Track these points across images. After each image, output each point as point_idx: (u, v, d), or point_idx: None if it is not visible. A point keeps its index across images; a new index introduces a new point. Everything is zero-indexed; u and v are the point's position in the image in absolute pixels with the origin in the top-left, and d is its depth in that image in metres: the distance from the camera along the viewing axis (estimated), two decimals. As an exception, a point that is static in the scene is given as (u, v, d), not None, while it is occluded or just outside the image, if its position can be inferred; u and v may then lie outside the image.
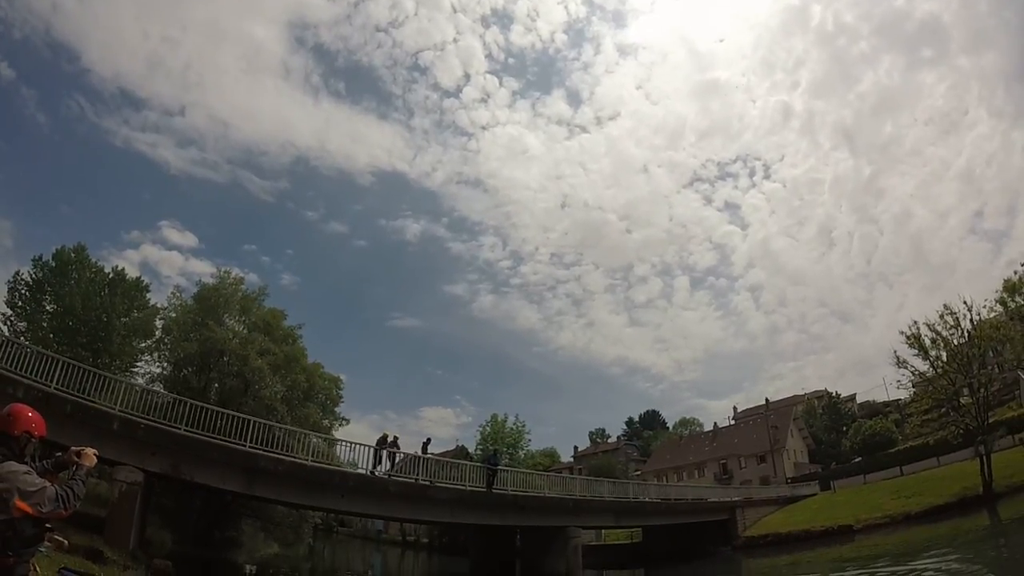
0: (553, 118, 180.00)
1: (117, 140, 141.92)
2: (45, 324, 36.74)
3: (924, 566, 19.03)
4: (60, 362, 18.57)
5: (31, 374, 17.50)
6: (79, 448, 4.17)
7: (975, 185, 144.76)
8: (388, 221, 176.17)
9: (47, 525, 3.95)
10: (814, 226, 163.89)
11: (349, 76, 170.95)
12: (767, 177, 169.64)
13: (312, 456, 23.63)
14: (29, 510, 3.63)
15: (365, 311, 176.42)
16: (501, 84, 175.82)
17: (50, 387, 17.50)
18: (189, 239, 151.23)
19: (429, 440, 32.38)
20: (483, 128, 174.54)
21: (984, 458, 34.40)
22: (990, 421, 37.22)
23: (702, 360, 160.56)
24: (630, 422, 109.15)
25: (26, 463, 3.91)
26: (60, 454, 4.25)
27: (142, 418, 19.36)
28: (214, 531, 33.72)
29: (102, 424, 18.01)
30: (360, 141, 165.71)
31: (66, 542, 9.97)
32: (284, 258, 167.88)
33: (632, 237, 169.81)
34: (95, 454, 4.20)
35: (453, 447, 71.74)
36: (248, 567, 32.04)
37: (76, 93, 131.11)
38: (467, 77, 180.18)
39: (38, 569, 5.57)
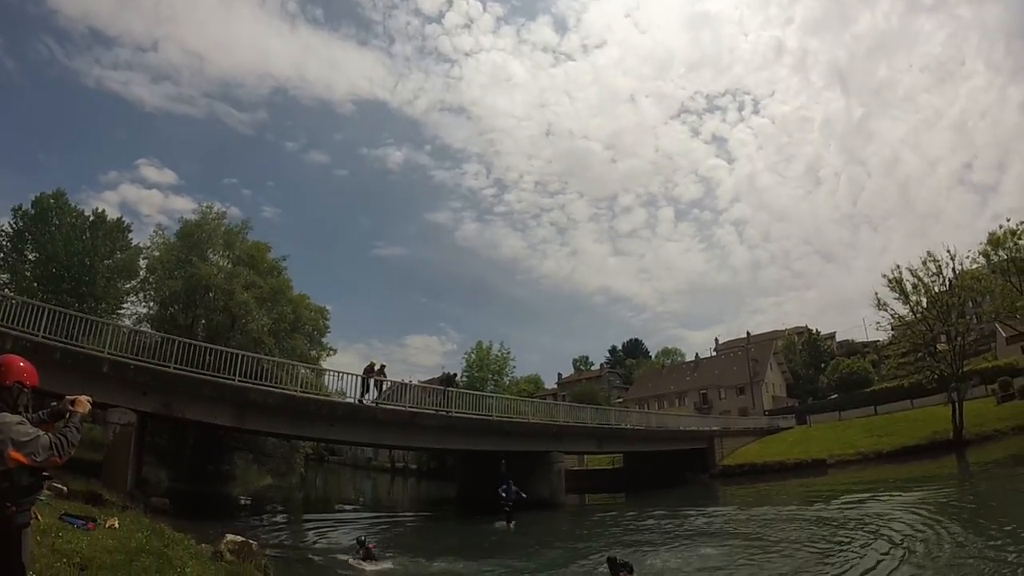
0: (538, 45, 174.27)
1: (89, 81, 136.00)
2: (28, 273, 36.45)
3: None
4: (46, 310, 18.38)
5: (18, 324, 17.33)
6: (72, 396, 4.18)
7: (967, 137, 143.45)
8: (370, 150, 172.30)
9: (44, 474, 3.97)
10: (801, 164, 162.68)
11: (327, 1, 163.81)
12: (756, 112, 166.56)
13: (301, 387, 23.89)
14: (24, 460, 3.67)
15: (349, 241, 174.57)
16: (485, 9, 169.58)
17: (38, 336, 17.35)
18: (168, 176, 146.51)
19: (455, 375, 32.81)
20: (466, 55, 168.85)
21: (956, 405, 35.52)
22: (964, 370, 38.23)
23: (685, 291, 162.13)
24: (613, 350, 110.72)
25: (20, 413, 3.93)
26: (54, 403, 4.25)
27: (132, 359, 19.37)
28: (208, 466, 34.46)
29: (92, 368, 17.98)
30: (340, 69, 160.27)
31: (65, 488, 10.13)
32: (265, 190, 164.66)
33: (617, 167, 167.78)
34: (89, 401, 4.22)
35: (439, 374, 72.74)
36: (242, 499, 32.85)
37: (44, 36, 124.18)
38: (449, 2, 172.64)
39: (40, 517, 5.69)
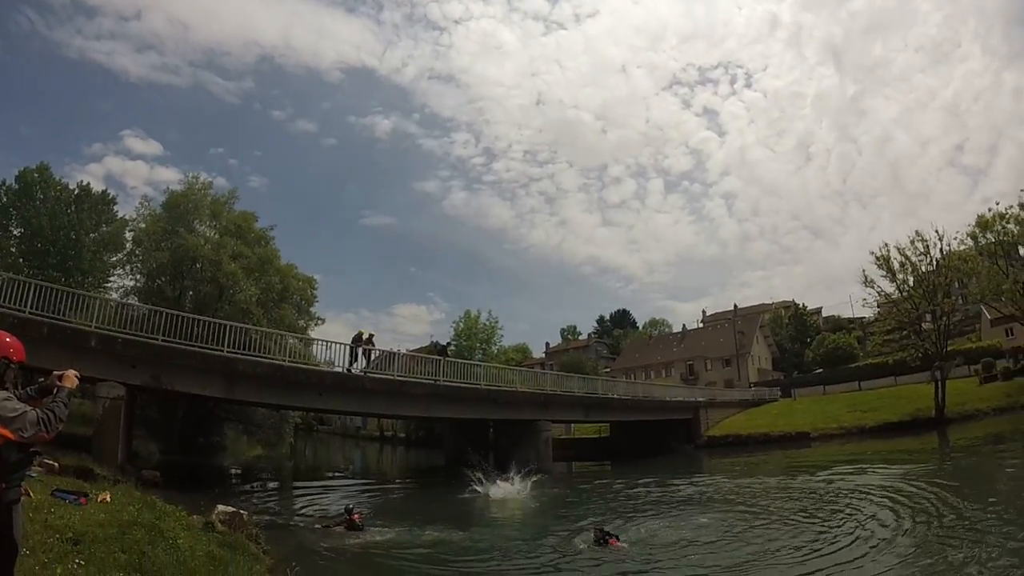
0: (529, 13, 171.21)
1: (71, 52, 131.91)
2: (13, 249, 35.95)
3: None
4: (32, 285, 18.16)
5: (4, 301, 17.15)
6: (60, 371, 4.14)
7: (959, 119, 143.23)
8: (358, 118, 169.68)
9: (33, 450, 3.97)
10: (792, 139, 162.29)
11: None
12: (748, 86, 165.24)
13: (289, 357, 23.80)
14: (11, 436, 3.65)
15: (337, 210, 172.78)
16: None
17: (24, 312, 17.17)
18: (153, 147, 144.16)
19: (447, 345, 32.85)
20: (456, 22, 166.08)
21: (939, 383, 36.13)
22: (948, 349, 38.89)
23: (673, 263, 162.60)
24: (601, 320, 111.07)
25: (7, 389, 3.89)
26: (42, 379, 4.22)
27: (119, 332, 19.27)
28: (198, 438, 34.42)
29: (80, 343, 17.86)
30: (327, 37, 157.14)
31: (56, 464, 10.07)
32: (252, 160, 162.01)
33: (607, 137, 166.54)
34: (76, 375, 4.17)
35: (427, 343, 72.85)
36: (233, 470, 32.93)
37: (24, 7, 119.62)
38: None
39: (31, 494, 5.64)
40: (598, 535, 11.14)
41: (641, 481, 23.88)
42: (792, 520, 13.83)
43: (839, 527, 12.56)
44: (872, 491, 16.39)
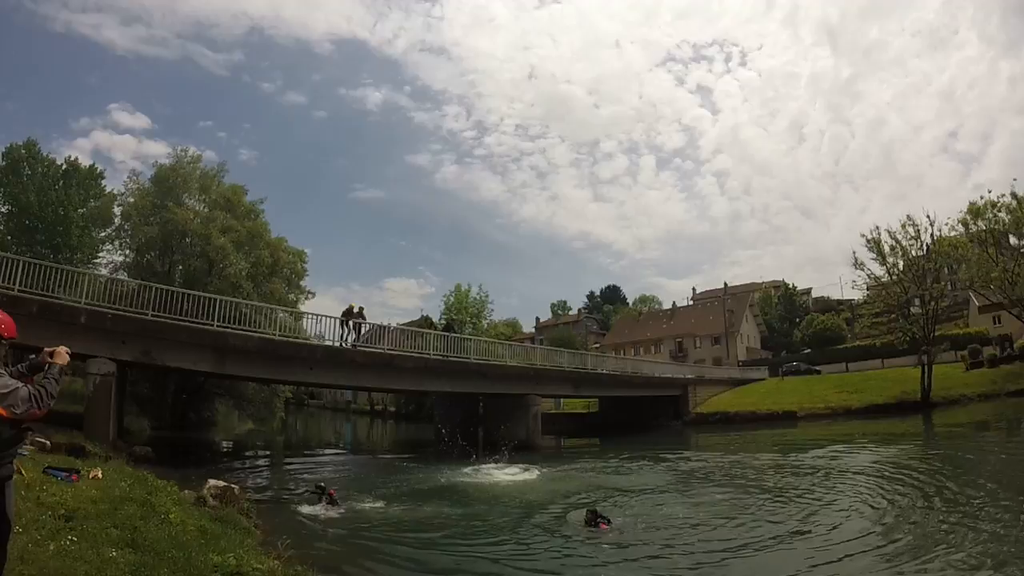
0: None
1: (57, 25, 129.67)
2: (1, 226, 35.61)
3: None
4: (21, 263, 17.86)
5: None
6: (51, 348, 4.09)
7: (954, 105, 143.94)
8: (348, 91, 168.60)
9: (24, 426, 3.95)
10: (786, 119, 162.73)
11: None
12: (743, 64, 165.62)
13: (280, 331, 23.83)
14: (3, 412, 3.63)
15: (327, 183, 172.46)
16: None
17: (13, 289, 16.92)
18: (141, 121, 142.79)
19: (453, 321, 32.82)
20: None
21: (926, 367, 36.55)
22: (936, 334, 39.25)
23: (664, 240, 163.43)
24: (591, 296, 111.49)
25: None
26: (33, 356, 4.18)
27: (109, 308, 19.08)
28: (190, 413, 34.60)
29: (70, 319, 17.63)
30: (317, 7, 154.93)
31: (48, 442, 10.02)
32: (241, 133, 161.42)
33: (600, 112, 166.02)
34: (67, 351, 4.12)
35: (418, 317, 72.83)
36: (224, 445, 32.96)
37: None
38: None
39: (23, 472, 5.61)
40: (589, 517, 11.14)
41: (634, 458, 23.99)
42: (802, 497, 13.96)
43: (829, 504, 12.84)
44: (866, 470, 16.78)
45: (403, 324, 53.74)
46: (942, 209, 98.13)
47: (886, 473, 15.90)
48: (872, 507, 12.23)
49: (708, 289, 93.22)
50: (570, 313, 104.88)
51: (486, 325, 66.35)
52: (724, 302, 74.92)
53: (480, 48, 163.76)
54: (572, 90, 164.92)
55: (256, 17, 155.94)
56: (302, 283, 39.99)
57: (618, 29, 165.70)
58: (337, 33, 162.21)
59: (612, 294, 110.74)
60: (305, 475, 21.03)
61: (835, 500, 13.34)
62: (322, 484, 14.75)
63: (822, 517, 11.63)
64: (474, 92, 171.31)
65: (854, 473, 16.61)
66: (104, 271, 34.23)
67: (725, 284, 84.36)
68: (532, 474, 20.24)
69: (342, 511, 13.53)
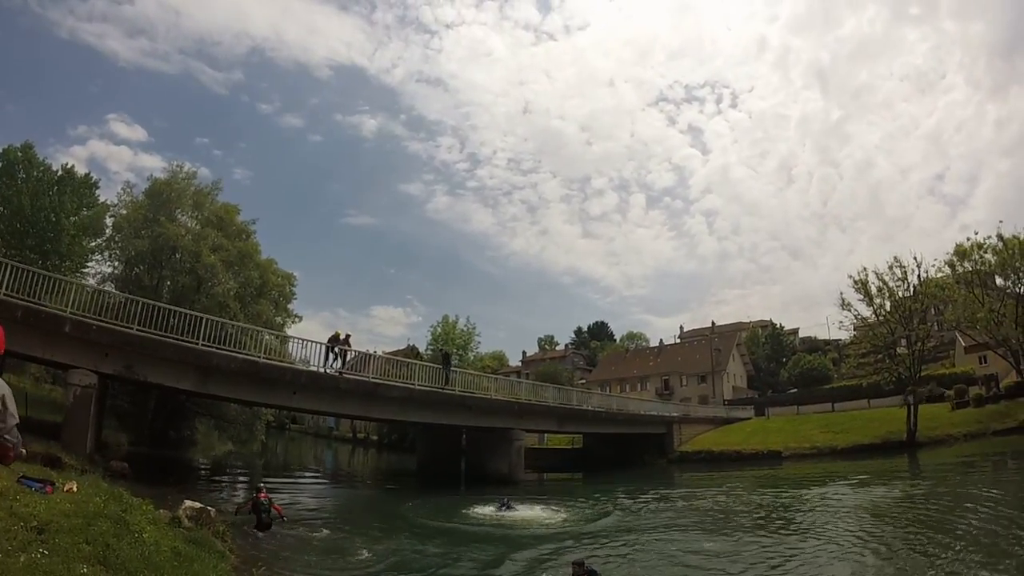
0: (520, 23, 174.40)
1: (62, 32, 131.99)
2: None
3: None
4: (8, 266, 17.63)
5: None
6: None
7: (941, 148, 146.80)
8: (345, 116, 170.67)
9: None
10: (775, 160, 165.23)
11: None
12: (734, 106, 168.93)
13: (265, 353, 23.34)
14: None
15: (319, 207, 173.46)
16: None
17: None
18: (138, 133, 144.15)
19: (450, 354, 32.84)
20: (447, 27, 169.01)
21: (911, 407, 36.62)
22: (922, 374, 39.43)
23: (652, 277, 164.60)
24: (579, 331, 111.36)
25: None
26: None
27: (94, 319, 18.78)
28: (169, 431, 33.90)
29: (54, 327, 17.39)
30: (318, 33, 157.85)
31: (24, 451, 9.85)
32: (237, 152, 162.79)
33: (592, 149, 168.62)
34: None
35: (404, 346, 72.49)
36: (203, 464, 32.44)
37: None
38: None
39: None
40: (576, 572, 10.36)
41: (624, 498, 23.61)
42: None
43: (808, 542, 12.71)
44: (848, 508, 16.62)
45: (389, 352, 53.56)
46: (929, 250, 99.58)
47: (886, 513, 15.76)
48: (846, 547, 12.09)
49: (695, 327, 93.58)
50: (557, 348, 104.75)
51: (472, 357, 66.06)
52: (711, 341, 75.09)
53: (476, 81, 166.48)
54: (565, 126, 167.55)
55: (258, 38, 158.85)
56: (289, 306, 39.56)
57: (612, 67, 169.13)
58: (336, 59, 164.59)
59: (599, 330, 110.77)
60: (284, 499, 20.68)
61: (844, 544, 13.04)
62: (260, 485, 14.56)
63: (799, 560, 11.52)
64: (468, 124, 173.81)
65: (835, 512, 16.47)
66: (92, 281, 33.66)
67: (712, 323, 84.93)
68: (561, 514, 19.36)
69: (329, 535, 13.34)
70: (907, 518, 15.02)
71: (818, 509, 18.02)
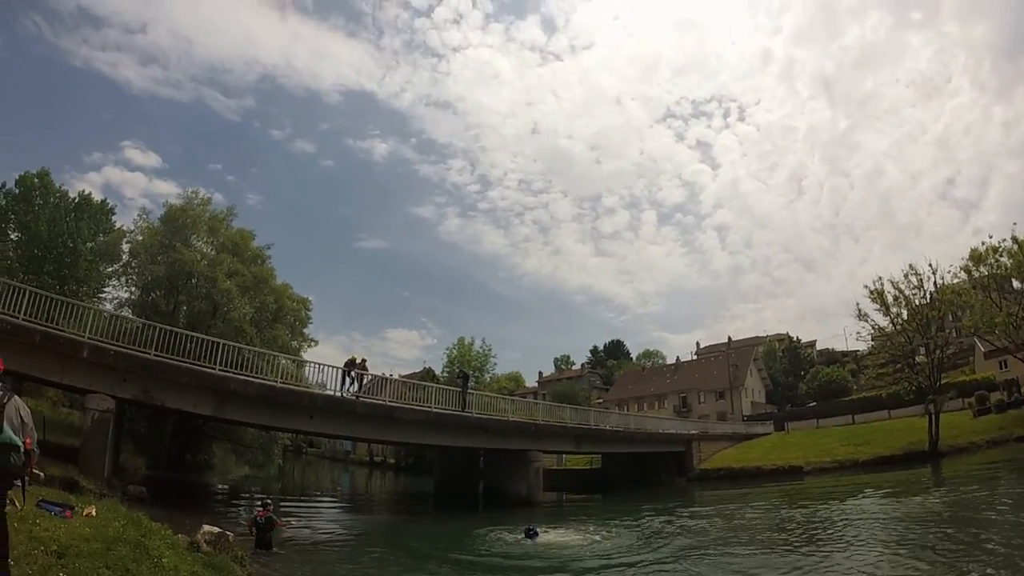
0: (526, 44, 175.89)
1: (77, 60, 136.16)
2: (11, 254, 35.58)
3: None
4: (27, 292, 18.02)
5: None
6: None
7: (950, 152, 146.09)
8: (356, 141, 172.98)
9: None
10: (785, 172, 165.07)
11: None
12: (741, 119, 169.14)
13: (281, 378, 23.56)
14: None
15: (331, 231, 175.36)
16: (474, 6, 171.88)
17: (18, 318, 17.07)
18: (152, 159, 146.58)
19: (468, 375, 32.77)
20: (454, 50, 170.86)
21: (933, 416, 36.04)
22: (942, 382, 38.90)
23: (665, 294, 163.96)
24: (595, 350, 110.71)
25: None
26: None
27: (112, 344, 19.06)
28: (186, 455, 34.07)
29: (72, 352, 17.67)
30: (328, 59, 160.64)
31: (42, 474, 10.00)
32: (249, 177, 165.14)
33: (601, 168, 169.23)
34: None
35: (419, 369, 72.67)
36: (220, 488, 32.51)
37: (32, 13, 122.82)
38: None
39: (17, 503, 5.60)
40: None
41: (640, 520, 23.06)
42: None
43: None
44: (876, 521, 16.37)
45: (404, 375, 53.66)
46: (942, 256, 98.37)
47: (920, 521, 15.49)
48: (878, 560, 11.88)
49: (712, 343, 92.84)
50: (573, 367, 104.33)
51: (489, 379, 66.11)
52: (728, 356, 74.51)
53: (484, 103, 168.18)
54: (574, 145, 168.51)
55: (268, 65, 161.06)
56: (305, 331, 39.83)
57: (619, 85, 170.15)
58: (346, 84, 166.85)
59: (615, 349, 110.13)
60: (301, 524, 20.67)
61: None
62: (267, 500, 14.58)
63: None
64: (478, 146, 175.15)
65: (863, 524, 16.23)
66: (109, 307, 34.14)
67: (729, 338, 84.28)
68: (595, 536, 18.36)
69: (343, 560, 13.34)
70: (940, 527, 14.72)
71: (856, 522, 17.65)
